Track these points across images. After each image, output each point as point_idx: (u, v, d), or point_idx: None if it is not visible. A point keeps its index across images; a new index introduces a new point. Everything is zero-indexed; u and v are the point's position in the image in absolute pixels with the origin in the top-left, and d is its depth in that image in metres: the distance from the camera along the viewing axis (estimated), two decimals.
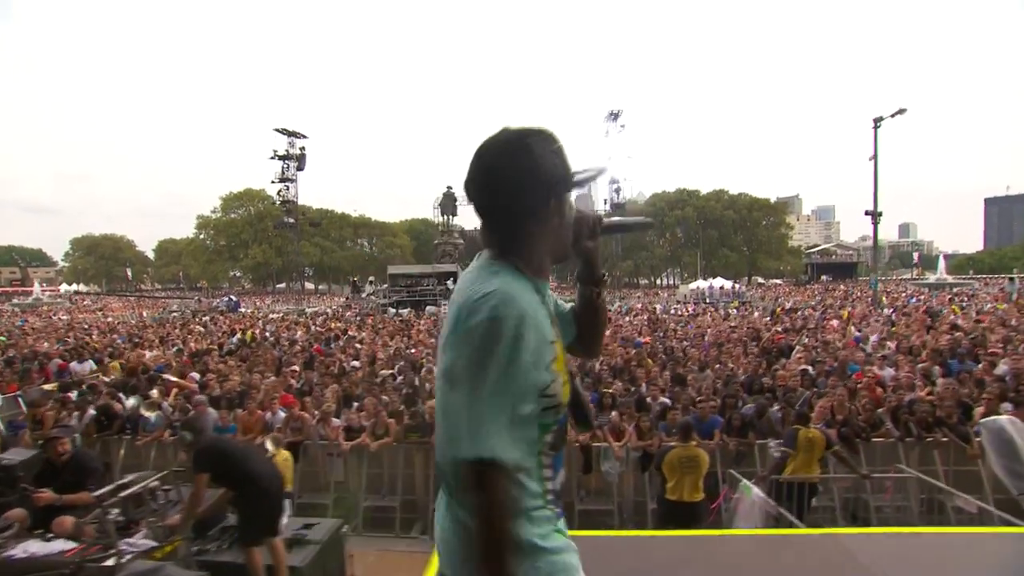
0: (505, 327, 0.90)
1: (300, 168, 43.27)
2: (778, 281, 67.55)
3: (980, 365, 8.89)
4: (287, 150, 41.86)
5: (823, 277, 68.26)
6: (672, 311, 24.11)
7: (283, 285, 71.57)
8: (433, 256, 50.14)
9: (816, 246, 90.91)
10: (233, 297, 37.12)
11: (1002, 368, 8.40)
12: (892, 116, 23.82)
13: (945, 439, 6.42)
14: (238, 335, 15.51)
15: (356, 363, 10.29)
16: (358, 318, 24.54)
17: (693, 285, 39.60)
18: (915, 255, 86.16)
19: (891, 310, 20.79)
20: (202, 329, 17.26)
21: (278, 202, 44.46)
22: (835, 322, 15.83)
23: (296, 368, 9.65)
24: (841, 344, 10.99)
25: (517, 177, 0.99)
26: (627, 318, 19.32)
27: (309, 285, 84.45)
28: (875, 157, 24.45)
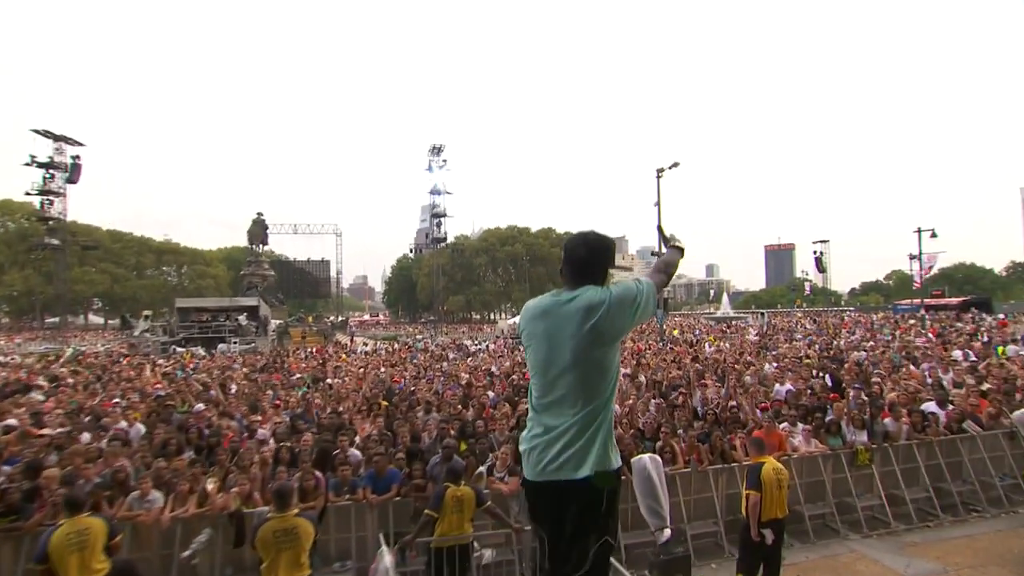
0: None
1: (72, 180, 36.71)
2: None
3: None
4: (51, 157, 35.20)
5: None
6: (479, 347, 24.14)
7: (56, 319, 59.66)
8: (239, 288, 45.59)
9: None
10: None
11: (697, 397, 9.17)
12: (670, 168, 26.95)
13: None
14: None
15: (13, 422, 8.11)
16: (122, 359, 20.80)
17: (513, 321, 40.73)
18: (711, 292, 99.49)
19: (668, 343, 22.98)
20: None
21: (57, 217, 37.11)
22: None
23: None
24: None
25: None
26: (420, 357, 18.73)
27: (97, 319, 72.13)
28: (658, 203, 27.37)
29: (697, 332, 31.36)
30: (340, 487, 5.89)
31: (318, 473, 6.12)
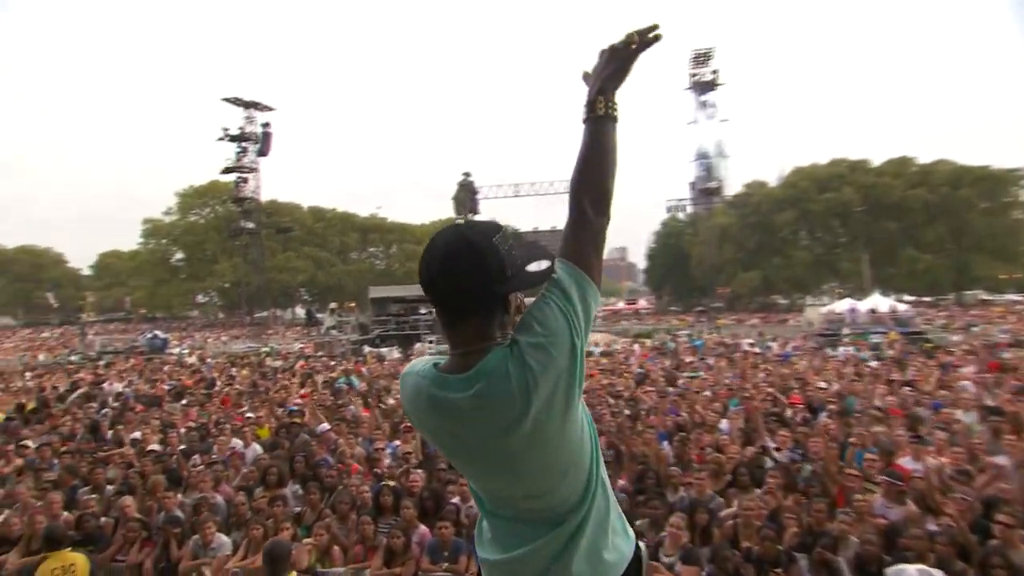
0: None
1: (263, 152, 45.38)
2: (1016, 296, 62.26)
3: None
4: (241, 128, 43.89)
5: None
6: (757, 348, 22.79)
7: (265, 313, 74.65)
8: None
9: None
10: (160, 333, 39.08)
11: None
12: None
13: None
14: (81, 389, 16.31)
15: (137, 435, 10.42)
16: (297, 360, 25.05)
17: (831, 307, 37.28)
18: None
19: None
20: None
21: (250, 197, 46.67)
22: (969, 370, 14.36)
23: None
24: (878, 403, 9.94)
25: None
26: (662, 363, 18.48)
27: (301, 311, 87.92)
28: None
29: None
30: (439, 551, 6.03)
31: (421, 528, 6.40)
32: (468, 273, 1.65)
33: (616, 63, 1.80)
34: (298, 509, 7.41)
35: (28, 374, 21.56)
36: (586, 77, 1.85)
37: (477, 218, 50.77)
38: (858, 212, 64.79)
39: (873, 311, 33.82)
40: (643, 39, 1.79)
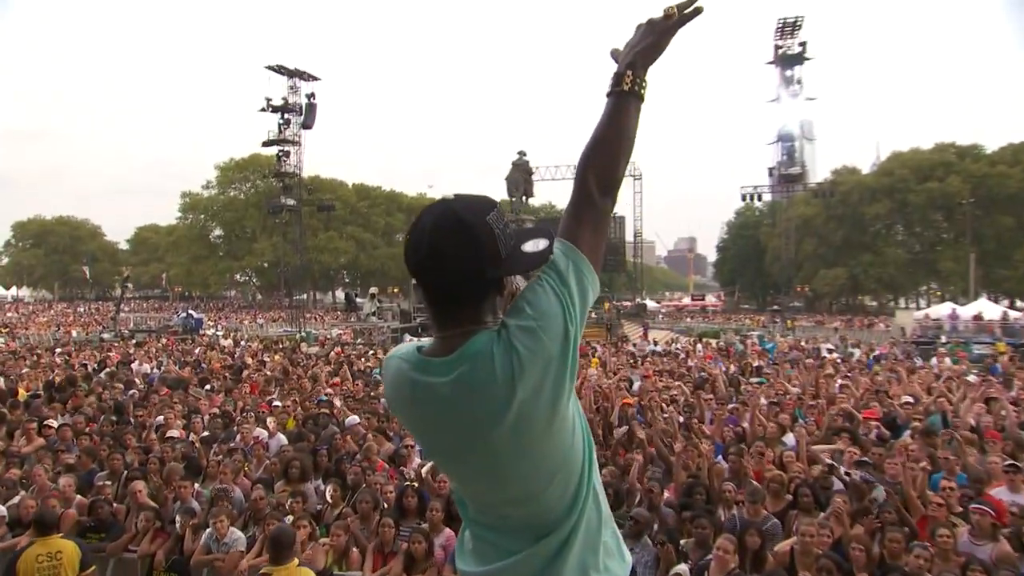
0: None
1: (307, 125, 46.07)
2: None
3: None
4: (285, 98, 44.64)
5: None
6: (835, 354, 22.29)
7: (304, 296, 76.08)
8: None
9: None
10: (194, 313, 40.29)
11: None
12: None
13: None
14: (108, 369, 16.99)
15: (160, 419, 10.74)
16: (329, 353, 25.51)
17: (928, 311, 36.16)
18: None
19: None
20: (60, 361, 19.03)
21: (292, 172, 47.59)
22: None
23: None
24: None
25: None
26: (723, 367, 18.19)
27: (341, 295, 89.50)
28: None
29: None
30: None
31: (446, 533, 6.44)
32: (459, 255, 1.62)
33: (652, 38, 1.82)
34: (319, 506, 7.58)
35: (59, 350, 22.59)
36: (615, 54, 1.86)
37: (530, 199, 50.81)
38: (965, 205, 62.25)
39: (978, 317, 32.73)
40: (682, 13, 1.81)
